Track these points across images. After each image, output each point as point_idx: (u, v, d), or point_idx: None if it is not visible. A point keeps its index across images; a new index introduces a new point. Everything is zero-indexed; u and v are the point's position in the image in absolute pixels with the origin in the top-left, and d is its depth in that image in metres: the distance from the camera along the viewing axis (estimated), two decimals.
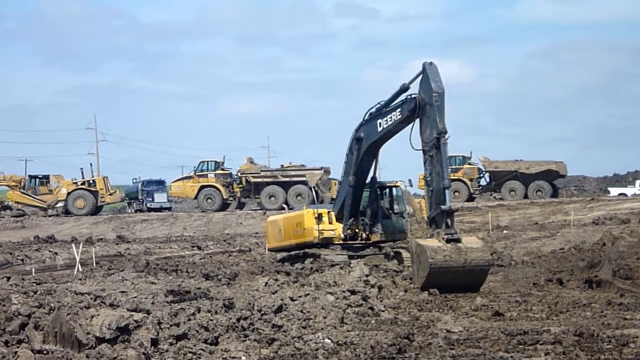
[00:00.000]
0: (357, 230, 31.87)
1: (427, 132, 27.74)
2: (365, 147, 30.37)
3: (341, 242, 31.80)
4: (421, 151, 27.92)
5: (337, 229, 31.87)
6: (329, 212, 32.43)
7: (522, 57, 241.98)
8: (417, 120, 28.19)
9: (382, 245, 32.08)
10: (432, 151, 27.40)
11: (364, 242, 31.85)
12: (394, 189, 32.69)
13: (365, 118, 30.25)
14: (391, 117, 29.25)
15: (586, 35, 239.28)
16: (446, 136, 27.33)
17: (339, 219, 31.99)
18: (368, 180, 31.66)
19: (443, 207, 26.90)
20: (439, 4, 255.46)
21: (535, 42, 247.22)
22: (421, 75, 28.14)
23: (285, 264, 32.04)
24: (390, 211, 32.31)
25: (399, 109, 28.93)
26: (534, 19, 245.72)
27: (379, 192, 32.07)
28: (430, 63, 28.05)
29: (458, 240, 26.45)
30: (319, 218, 31.99)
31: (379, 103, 29.83)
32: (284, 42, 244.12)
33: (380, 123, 29.62)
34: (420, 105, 27.97)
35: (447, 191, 27.18)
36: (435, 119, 27.35)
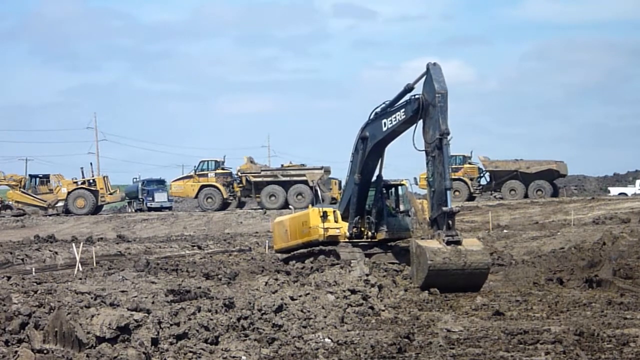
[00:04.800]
0: (362, 229, 31.92)
1: (429, 133, 27.76)
2: (371, 147, 30.42)
3: (347, 240, 31.85)
4: (424, 152, 27.93)
5: (342, 228, 31.93)
6: (334, 211, 32.49)
7: (521, 57, 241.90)
8: (421, 120, 28.24)
9: (387, 243, 32.10)
10: (435, 152, 27.40)
11: (369, 240, 31.89)
12: (399, 187, 32.75)
13: (371, 117, 30.30)
14: (395, 117, 29.29)
15: (585, 35, 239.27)
16: (448, 137, 27.33)
17: (344, 218, 32.03)
18: (374, 179, 31.70)
19: (444, 208, 26.91)
20: (437, 5, 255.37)
21: (534, 41, 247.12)
22: (425, 76, 28.16)
23: (292, 262, 32.14)
24: (396, 209, 32.36)
25: (403, 110, 28.97)
26: (532, 19, 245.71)
27: (384, 191, 32.11)
28: (434, 64, 28.03)
29: (458, 243, 26.45)
30: (324, 216, 32.03)
31: (384, 103, 29.89)
32: (283, 42, 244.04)
33: (385, 123, 29.68)
34: (424, 106, 27.99)
35: (448, 192, 27.20)
36: (438, 120, 27.36)
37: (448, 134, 27.29)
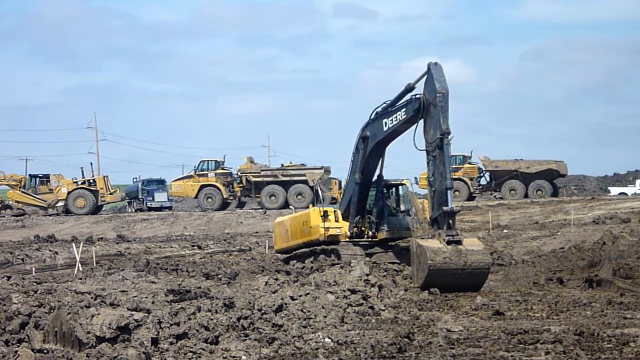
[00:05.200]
0: (363, 228, 31.87)
1: (430, 133, 27.74)
2: (371, 146, 30.40)
3: (347, 240, 31.82)
4: (424, 151, 27.90)
5: (343, 227, 31.89)
6: (335, 210, 32.47)
7: (521, 57, 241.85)
8: (422, 120, 28.23)
9: (388, 243, 32.05)
10: (435, 151, 27.38)
11: (370, 240, 31.86)
12: (400, 187, 32.71)
13: (372, 117, 30.28)
14: (396, 117, 29.28)
15: (585, 35, 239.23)
16: (449, 137, 27.31)
17: (345, 218, 31.99)
18: (374, 178, 31.66)
19: (445, 208, 26.90)
20: (437, 5, 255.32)
21: (534, 41, 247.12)
22: (426, 76, 28.16)
23: (293, 262, 32.13)
24: (397, 209, 32.32)
25: (404, 109, 28.96)
26: (532, 19, 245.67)
27: (385, 191, 32.07)
28: (435, 63, 28.02)
29: (459, 242, 26.43)
30: (325, 216, 32.01)
31: (384, 102, 29.88)
32: (283, 42, 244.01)
33: (385, 122, 29.66)
34: (425, 106, 27.98)
35: (449, 192, 27.18)
36: (438, 120, 27.34)
37: (449, 133, 27.27)
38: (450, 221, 26.90)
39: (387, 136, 29.97)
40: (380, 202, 31.80)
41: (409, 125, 28.91)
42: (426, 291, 25.44)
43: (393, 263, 30.53)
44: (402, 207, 32.47)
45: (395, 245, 32.02)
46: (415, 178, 32.60)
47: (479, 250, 26.67)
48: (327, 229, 31.86)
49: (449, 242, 26.30)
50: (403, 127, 29.27)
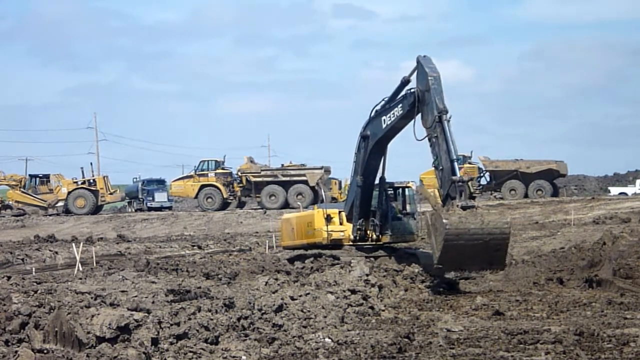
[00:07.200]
0: (367, 231, 31.62)
1: (428, 118, 27.58)
2: (372, 145, 30.33)
3: (351, 243, 31.53)
4: (427, 140, 27.63)
5: (346, 230, 31.57)
6: (339, 212, 32.19)
7: (520, 57, 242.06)
8: (419, 114, 28.18)
9: (392, 245, 31.77)
10: (436, 131, 27.17)
11: (374, 243, 31.59)
12: (406, 189, 32.41)
13: (371, 116, 30.29)
14: (393, 113, 29.32)
15: (585, 35, 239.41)
16: (448, 115, 27.15)
17: (349, 220, 31.76)
18: (377, 180, 31.46)
19: (454, 177, 26.51)
20: (436, 5, 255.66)
21: (533, 41, 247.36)
22: (417, 70, 28.36)
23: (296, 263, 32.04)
24: (402, 212, 32.00)
25: (400, 105, 29.06)
26: (532, 19, 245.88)
27: (389, 193, 31.81)
28: (424, 56, 28.39)
29: (473, 207, 26.15)
30: (329, 219, 31.78)
31: (383, 100, 29.91)
32: (283, 42, 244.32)
33: (384, 120, 29.68)
34: (419, 97, 28.03)
35: (455, 163, 26.80)
36: (434, 102, 27.31)
37: (447, 112, 27.15)
38: (462, 191, 26.58)
39: (386, 133, 29.93)
40: (384, 205, 31.50)
41: (407, 120, 28.89)
42: (426, 293, 25.35)
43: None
44: (407, 210, 32.13)
45: (398, 249, 31.73)
46: (421, 181, 32.47)
47: (494, 213, 26.27)
48: (330, 233, 31.64)
49: (463, 208, 25.87)
50: (401, 122, 29.26)
